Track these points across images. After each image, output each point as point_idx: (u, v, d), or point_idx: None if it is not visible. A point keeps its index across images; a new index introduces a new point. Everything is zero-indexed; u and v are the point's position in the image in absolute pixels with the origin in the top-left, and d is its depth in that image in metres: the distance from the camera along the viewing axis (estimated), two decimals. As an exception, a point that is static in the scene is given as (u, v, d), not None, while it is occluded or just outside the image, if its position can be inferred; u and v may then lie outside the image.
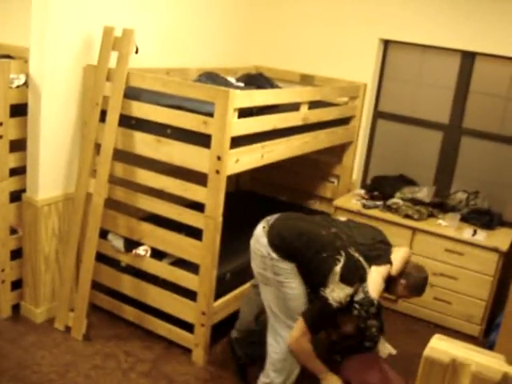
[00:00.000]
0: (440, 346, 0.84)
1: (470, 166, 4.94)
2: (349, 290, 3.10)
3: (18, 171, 3.87)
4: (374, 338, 3.42)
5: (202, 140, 3.41)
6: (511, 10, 4.41)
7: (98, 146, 3.82)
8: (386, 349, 3.53)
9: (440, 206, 4.83)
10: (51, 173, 3.84)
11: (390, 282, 3.35)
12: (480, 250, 4.37)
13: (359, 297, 3.11)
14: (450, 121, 4.95)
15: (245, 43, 5.34)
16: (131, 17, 4.07)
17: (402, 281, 3.37)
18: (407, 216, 4.62)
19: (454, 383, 0.83)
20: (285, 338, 3.24)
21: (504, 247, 4.32)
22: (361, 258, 3.22)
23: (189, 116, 3.44)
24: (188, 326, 3.80)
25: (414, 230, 4.57)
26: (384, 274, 3.27)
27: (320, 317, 3.17)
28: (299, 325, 3.18)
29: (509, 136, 4.74)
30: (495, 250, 4.32)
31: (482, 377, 0.79)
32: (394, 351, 3.54)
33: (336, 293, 3.08)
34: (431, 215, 4.72)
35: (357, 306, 3.10)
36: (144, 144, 3.67)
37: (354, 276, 3.15)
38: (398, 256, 3.39)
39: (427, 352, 0.85)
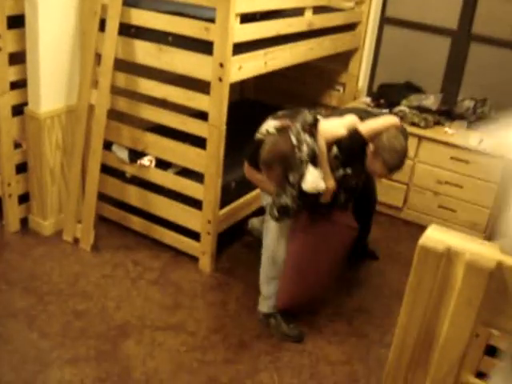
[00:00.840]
0: (435, 236, 0.84)
1: (478, 73, 4.84)
2: (272, 122, 3.19)
3: (19, 84, 3.82)
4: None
5: (203, 47, 3.33)
6: None
7: (98, 56, 3.75)
8: None
9: (447, 113, 4.77)
10: (52, 85, 3.79)
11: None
12: (486, 157, 4.35)
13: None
14: (458, 26, 4.82)
15: None
16: None
17: (371, 145, 3.24)
18: (413, 124, 4.57)
19: (448, 271, 0.83)
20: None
21: (510, 155, 4.28)
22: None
23: (190, 22, 3.35)
24: (194, 235, 3.85)
25: (420, 138, 4.54)
26: (338, 123, 3.29)
27: (252, 150, 3.23)
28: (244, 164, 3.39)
29: (519, 42, 4.63)
30: (501, 157, 4.29)
31: (476, 265, 0.79)
32: None
33: (262, 127, 3.22)
34: (438, 123, 4.67)
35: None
36: (145, 53, 3.60)
37: (286, 115, 3.25)
38: (375, 120, 3.35)
39: (422, 241, 0.85)
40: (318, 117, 3.25)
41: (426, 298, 0.84)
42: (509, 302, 0.82)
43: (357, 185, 3.48)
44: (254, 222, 4.06)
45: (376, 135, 3.23)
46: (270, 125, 3.20)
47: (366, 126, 3.29)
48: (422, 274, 0.85)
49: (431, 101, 4.71)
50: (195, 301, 3.59)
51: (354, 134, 3.27)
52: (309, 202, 3.20)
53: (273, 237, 3.35)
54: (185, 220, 3.84)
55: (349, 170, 3.33)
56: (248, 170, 3.37)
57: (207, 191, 3.64)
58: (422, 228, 3.96)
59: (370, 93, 5.23)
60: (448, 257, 0.83)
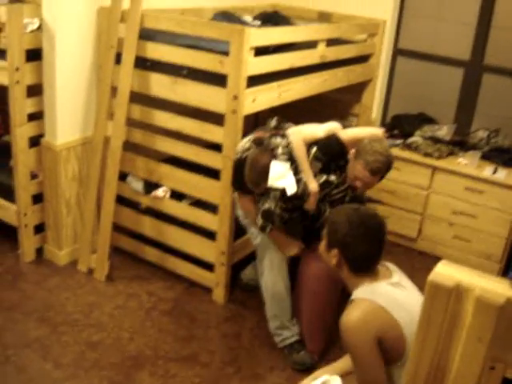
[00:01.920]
0: (445, 271, 0.84)
1: (491, 103, 4.86)
2: (245, 139, 3.25)
3: (36, 116, 3.88)
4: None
5: (218, 80, 3.37)
6: None
7: (114, 89, 3.80)
8: None
9: (460, 144, 4.77)
10: (69, 117, 3.85)
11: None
12: (500, 188, 4.34)
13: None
14: (471, 57, 4.85)
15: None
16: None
17: (353, 150, 3.18)
18: (427, 154, 4.58)
19: (458, 307, 0.84)
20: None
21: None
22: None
23: (204, 55, 3.40)
24: (208, 266, 3.85)
25: (434, 169, 4.54)
26: (317, 126, 3.31)
27: (234, 175, 3.32)
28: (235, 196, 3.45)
29: (531, 72, 4.64)
30: (516, 187, 4.29)
31: (486, 301, 0.80)
32: None
33: (237, 148, 3.30)
34: (451, 153, 4.67)
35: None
36: (160, 85, 3.65)
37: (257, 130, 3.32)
38: (357, 128, 3.43)
39: (432, 276, 0.86)
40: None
41: (436, 334, 0.84)
42: (519, 339, 0.82)
43: (343, 199, 3.40)
44: (246, 272, 4.04)
45: (357, 141, 3.19)
46: (243, 142, 3.28)
47: (347, 132, 3.30)
48: (432, 310, 0.85)
49: (444, 131, 4.72)
50: (209, 332, 3.58)
51: (333, 137, 3.26)
52: (294, 207, 3.20)
53: (268, 275, 3.38)
54: (199, 251, 3.85)
55: (333, 177, 3.28)
56: (240, 200, 3.38)
57: (221, 222, 3.65)
58: (437, 259, 3.94)
59: (383, 123, 5.25)
60: (458, 292, 0.83)
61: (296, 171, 3.11)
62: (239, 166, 3.21)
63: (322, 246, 2.30)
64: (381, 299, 2.03)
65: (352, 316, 2.02)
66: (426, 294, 0.84)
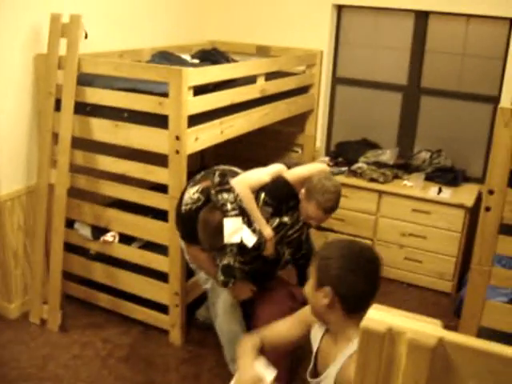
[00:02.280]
0: (376, 316, 0.85)
1: (431, 124, 4.98)
2: (192, 189, 3.22)
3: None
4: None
5: (159, 121, 3.37)
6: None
7: (55, 136, 3.77)
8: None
9: (404, 166, 4.87)
10: (11, 166, 3.79)
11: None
12: (446, 207, 4.43)
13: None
14: (408, 81, 4.97)
15: (198, 19, 5.28)
16: (78, 1, 3.99)
17: (302, 190, 3.21)
18: (372, 179, 4.65)
19: (391, 352, 0.84)
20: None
21: (469, 203, 4.37)
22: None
23: (144, 98, 3.40)
24: (163, 308, 3.80)
25: (381, 193, 4.61)
26: (262, 171, 3.33)
27: (182, 227, 3.31)
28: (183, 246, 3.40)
29: (466, 92, 4.77)
30: (461, 206, 4.37)
31: (418, 343, 0.80)
32: None
33: (184, 198, 3.24)
34: (396, 177, 4.76)
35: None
36: (102, 130, 3.64)
37: (203, 177, 3.29)
38: (301, 167, 3.41)
39: (364, 323, 0.86)
40: (227, 171, 3.34)
41: (373, 381, 0.84)
42: (455, 378, 0.83)
43: (300, 237, 3.42)
44: (201, 312, 4.01)
45: (304, 180, 3.23)
46: (190, 192, 3.23)
47: (291, 172, 3.33)
48: (367, 357, 0.85)
49: (388, 155, 4.80)
50: (168, 375, 3.53)
51: (279, 179, 3.29)
52: (253, 258, 3.17)
53: (222, 318, 3.36)
54: (152, 294, 3.80)
55: (286, 219, 3.28)
56: (189, 250, 3.36)
57: (172, 263, 3.62)
58: (390, 281, 3.96)
59: (328, 152, 5.32)
60: (390, 337, 0.84)
61: (249, 223, 3.09)
62: (189, 218, 3.16)
63: (310, 286, 2.08)
64: None
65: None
66: (360, 341, 0.85)
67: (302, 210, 3.23)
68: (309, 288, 2.08)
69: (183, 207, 3.22)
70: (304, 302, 2.36)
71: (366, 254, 2.00)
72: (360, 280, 1.93)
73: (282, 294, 3.38)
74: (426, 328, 0.82)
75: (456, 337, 0.83)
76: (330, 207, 3.14)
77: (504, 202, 2.95)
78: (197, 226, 3.07)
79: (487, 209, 3.01)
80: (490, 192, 2.97)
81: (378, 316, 0.84)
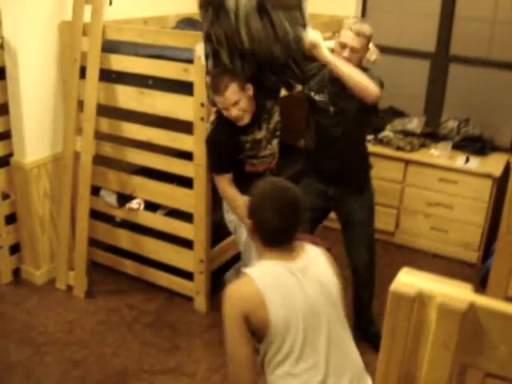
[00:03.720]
0: (406, 280, 0.84)
1: (460, 93, 4.89)
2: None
3: (4, 135, 3.83)
4: None
5: (184, 88, 3.36)
6: None
7: (80, 103, 3.77)
8: None
9: (431, 135, 4.80)
10: (37, 134, 3.81)
11: None
12: (473, 177, 4.37)
13: None
14: (436, 48, 4.88)
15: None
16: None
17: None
18: (399, 148, 4.60)
19: (422, 316, 0.83)
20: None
21: (497, 173, 4.31)
22: None
23: (169, 65, 3.39)
24: (188, 275, 3.83)
25: (407, 162, 4.56)
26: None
27: (211, 158, 3.28)
28: (213, 177, 3.29)
29: (496, 60, 4.68)
30: (488, 176, 4.31)
31: (448, 307, 0.79)
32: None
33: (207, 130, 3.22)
34: (423, 146, 4.70)
35: None
36: (127, 97, 3.63)
37: None
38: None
39: (393, 287, 0.85)
40: None
41: (402, 344, 0.83)
42: (485, 343, 0.82)
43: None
44: (230, 275, 3.87)
45: None
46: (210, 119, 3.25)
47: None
48: (396, 320, 0.84)
49: (415, 124, 4.73)
50: (192, 342, 3.56)
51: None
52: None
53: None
54: (177, 261, 3.83)
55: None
56: (220, 183, 3.22)
57: (197, 230, 3.63)
58: (415, 251, 3.97)
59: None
60: (420, 301, 0.82)
61: None
62: (212, 142, 3.17)
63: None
64: (262, 280, 2.03)
65: (232, 289, 2.07)
66: (389, 304, 0.84)
67: (334, 45, 3.18)
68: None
69: (207, 124, 3.25)
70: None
71: (282, 194, 2.16)
72: (272, 217, 2.10)
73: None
74: (456, 292, 0.80)
75: (487, 302, 0.81)
76: (359, 29, 3.11)
77: (534, 170, 2.90)
78: (221, 149, 3.14)
79: (516, 177, 2.97)
80: (520, 160, 2.92)
81: (408, 279, 0.83)
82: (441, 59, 4.87)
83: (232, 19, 2.98)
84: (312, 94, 3.27)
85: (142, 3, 4.35)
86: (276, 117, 3.30)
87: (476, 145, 4.62)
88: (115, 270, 4.16)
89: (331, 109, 3.23)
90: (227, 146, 3.12)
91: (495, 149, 4.72)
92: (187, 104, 3.37)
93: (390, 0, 4.95)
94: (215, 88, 2.98)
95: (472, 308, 0.79)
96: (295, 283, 2.06)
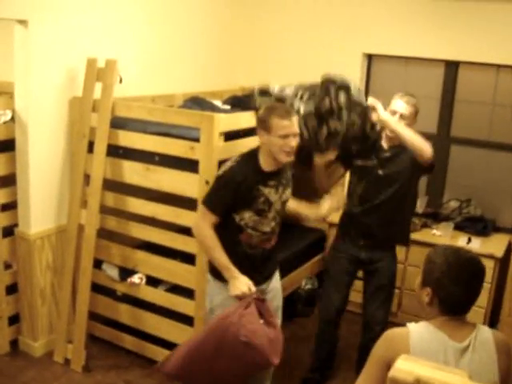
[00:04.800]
0: (404, 367, 0.84)
1: (461, 174, 4.96)
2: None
3: (10, 206, 3.88)
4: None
5: (189, 165, 3.42)
6: (490, 19, 4.44)
7: (87, 177, 3.83)
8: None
9: (433, 215, 4.84)
10: (42, 206, 3.85)
11: None
12: (475, 257, 4.36)
13: None
14: (438, 130, 4.97)
15: (228, 65, 5.37)
16: (114, 47, 4.09)
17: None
18: (401, 228, 4.62)
19: (419, 402, 0.83)
20: None
21: (499, 253, 4.32)
22: None
23: (175, 142, 3.46)
24: (187, 352, 3.78)
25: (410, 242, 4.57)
26: None
27: (214, 191, 3.04)
28: (199, 209, 3.18)
29: (497, 142, 4.76)
30: (491, 256, 4.31)
31: (446, 394, 0.80)
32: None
33: (223, 167, 3.05)
34: (425, 226, 4.73)
35: None
36: (133, 172, 3.69)
37: None
38: None
39: (392, 373, 0.86)
40: None
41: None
42: None
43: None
44: None
45: None
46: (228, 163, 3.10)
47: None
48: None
49: (417, 204, 4.76)
50: (190, 421, 3.49)
51: None
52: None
53: None
54: (177, 337, 3.78)
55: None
56: (201, 218, 3.07)
57: (198, 307, 3.61)
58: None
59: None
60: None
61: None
62: (223, 177, 3.01)
63: (417, 282, 2.26)
64: (418, 341, 2.00)
65: (392, 331, 2.09)
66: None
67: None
68: (416, 284, 2.26)
69: (221, 172, 3.04)
70: None
71: (470, 266, 2.12)
72: (459, 289, 2.08)
73: None
74: (453, 379, 0.81)
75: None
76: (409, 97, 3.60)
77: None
78: (229, 187, 2.97)
79: (518, 260, 2.98)
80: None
81: (407, 366, 0.84)
82: (442, 140, 4.95)
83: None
84: (359, 161, 3.61)
85: (150, 81, 4.47)
86: (289, 192, 3.21)
87: (478, 225, 4.65)
88: (114, 344, 4.12)
89: (380, 172, 3.53)
90: (238, 188, 2.94)
91: (497, 229, 4.74)
92: (192, 181, 3.42)
93: (392, 84, 5.06)
94: (285, 112, 2.95)
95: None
96: (442, 363, 1.94)
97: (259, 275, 3.14)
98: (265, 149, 3.00)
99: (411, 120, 3.56)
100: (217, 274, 3.10)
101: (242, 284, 2.97)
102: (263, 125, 2.97)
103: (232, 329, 2.82)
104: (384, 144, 3.58)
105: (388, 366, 1.94)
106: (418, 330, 2.06)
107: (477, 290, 2.14)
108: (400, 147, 3.48)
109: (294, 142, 2.95)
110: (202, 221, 3.05)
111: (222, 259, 3.01)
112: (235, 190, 2.94)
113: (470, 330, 2.11)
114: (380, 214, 3.55)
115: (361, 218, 3.61)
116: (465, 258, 2.14)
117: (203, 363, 2.93)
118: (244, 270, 3.02)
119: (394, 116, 3.49)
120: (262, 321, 2.92)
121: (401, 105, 3.53)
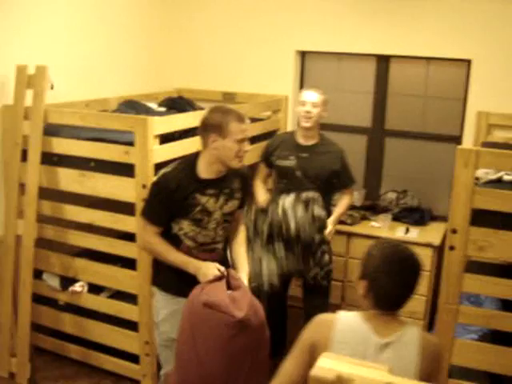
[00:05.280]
0: (325, 364, 0.86)
1: (397, 165, 5.06)
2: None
3: None
4: None
5: (125, 170, 3.40)
6: (418, 13, 4.55)
7: (22, 186, 3.76)
8: None
9: (372, 208, 4.93)
10: (-23, 218, 3.77)
11: None
12: (414, 247, 4.36)
13: None
14: (372, 124, 5.06)
15: (163, 67, 5.34)
16: (44, 53, 4.02)
17: None
18: (341, 221, 4.67)
19: (342, 399, 0.86)
20: None
21: (437, 242, 4.41)
22: None
23: (110, 147, 3.44)
24: (134, 358, 3.76)
25: (349, 235, 4.64)
26: None
27: (149, 201, 2.99)
28: (139, 221, 3.12)
29: (429, 133, 4.89)
30: (429, 245, 4.41)
31: (367, 390, 0.82)
32: None
33: (159, 173, 2.98)
34: (364, 218, 4.80)
35: None
36: (68, 179, 3.65)
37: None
38: None
39: (313, 371, 0.88)
40: None
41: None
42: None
43: None
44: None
45: None
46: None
47: None
48: (317, 404, 0.87)
49: (355, 197, 4.85)
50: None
51: None
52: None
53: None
54: (122, 343, 3.77)
55: None
56: (143, 230, 3.02)
57: (142, 312, 3.60)
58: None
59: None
60: (340, 384, 0.86)
61: None
62: (157, 185, 2.94)
63: (356, 274, 2.30)
64: (342, 329, 2.05)
65: (322, 315, 2.16)
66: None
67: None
68: (355, 276, 2.32)
69: (157, 179, 2.98)
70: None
71: (404, 261, 2.17)
72: (391, 283, 2.12)
73: None
74: (373, 374, 0.84)
75: (402, 382, 0.85)
76: None
77: (467, 240, 3.00)
78: (163, 196, 2.88)
79: (451, 248, 3.07)
80: (454, 231, 3.03)
81: (328, 364, 0.86)
82: (377, 134, 5.05)
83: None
84: (278, 161, 4.04)
85: (84, 86, 4.41)
86: (233, 204, 3.06)
87: (415, 215, 4.75)
88: (59, 355, 4.06)
89: (298, 173, 3.84)
90: (171, 196, 2.85)
91: (434, 218, 4.85)
92: (128, 185, 3.40)
93: (325, 79, 5.13)
94: (241, 115, 2.86)
95: (389, 389, 0.82)
96: (361, 355, 2.01)
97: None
98: (211, 154, 2.87)
99: (322, 107, 4.04)
100: (161, 285, 3.07)
101: (211, 269, 2.84)
102: (217, 129, 2.81)
103: (195, 300, 2.75)
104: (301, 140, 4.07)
105: (312, 348, 1.99)
106: (345, 319, 2.10)
107: (410, 286, 2.18)
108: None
109: (248, 147, 2.92)
110: (144, 232, 3.01)
111: (179, 258, 2.92)
112: (169, 198, 2.86)
113: (397, 327, 2.14)
114: None
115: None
116: (401, 253, 2.19)
117: (192, 356, 2.75)
118: (190, 276, 2.89)
119: (305, 106, 3.98)
120: (229, 291, 2.81)
121: (310, 94, 4.00)
